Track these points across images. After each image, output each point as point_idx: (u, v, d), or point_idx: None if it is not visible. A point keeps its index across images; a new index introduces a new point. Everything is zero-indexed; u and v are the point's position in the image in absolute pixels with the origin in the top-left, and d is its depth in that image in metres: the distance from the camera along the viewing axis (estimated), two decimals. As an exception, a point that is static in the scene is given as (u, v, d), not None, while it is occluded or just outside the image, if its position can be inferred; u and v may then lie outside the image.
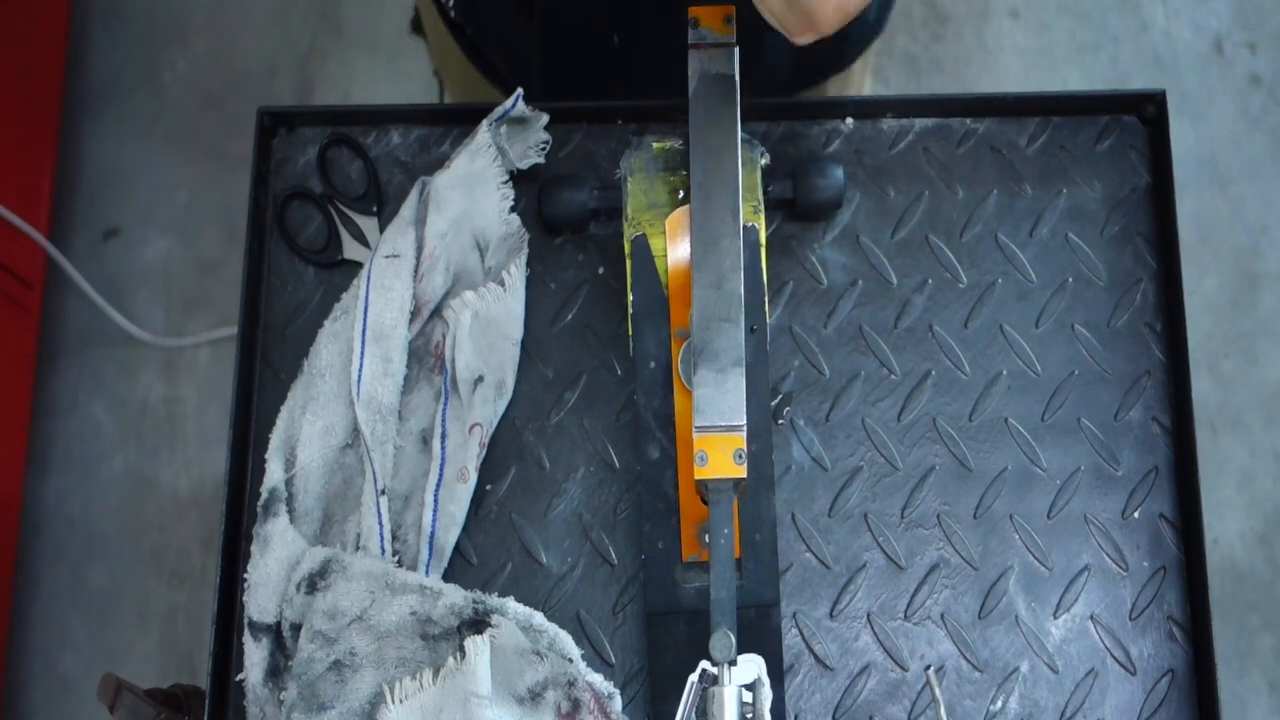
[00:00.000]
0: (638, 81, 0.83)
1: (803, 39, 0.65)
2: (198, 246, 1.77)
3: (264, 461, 0.73)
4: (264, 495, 0.72)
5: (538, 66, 0.89)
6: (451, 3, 0.94)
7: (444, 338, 0.74)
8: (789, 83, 0.93)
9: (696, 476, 0.65)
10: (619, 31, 0.85)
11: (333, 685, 0.68)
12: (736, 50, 0.71)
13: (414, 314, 0.75)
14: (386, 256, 0.75)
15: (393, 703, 0.66)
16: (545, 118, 0.78)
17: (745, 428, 0.65)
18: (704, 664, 0.63)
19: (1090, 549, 0.75)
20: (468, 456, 0.73)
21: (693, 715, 0.63)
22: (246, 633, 0.71)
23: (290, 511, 0.72)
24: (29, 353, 1.65)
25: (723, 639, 0.61)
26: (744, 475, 0.65)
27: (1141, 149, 0.81)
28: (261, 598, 0.70)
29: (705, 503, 0.66)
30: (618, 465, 0.76)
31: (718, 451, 0.65)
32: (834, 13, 0.62)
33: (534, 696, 0.67)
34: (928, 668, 0.73)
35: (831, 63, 0.94)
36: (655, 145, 0.75)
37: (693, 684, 0.63)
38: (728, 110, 0.70)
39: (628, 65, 0.86)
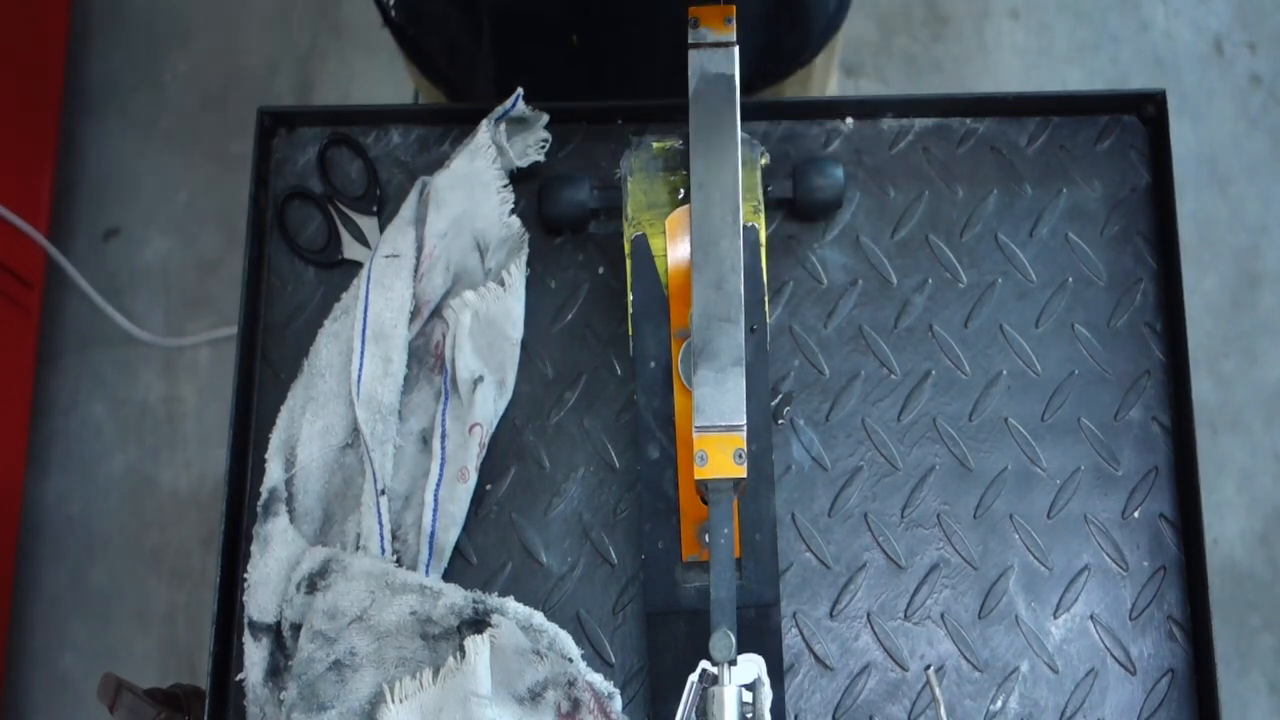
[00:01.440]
0: (597, 82, 0.82)
1: None
2: (198, 246, 1.78)
3: (264, 461, 0.73)
4: (264, 495, 0.72)
5: (485, 67, 0.88)
6: (392, 3, 0.93)
7: (444, 337, 0.74)
8: (747, 82, 0.93)
9: (696, 476, 0.65)
10: (579, 31, 0.84)
11: (333, 685, 0.68)
12: (736, 50, 0.71)
13: (414, 314, 0.75)
14: (386, 256, 0.75)
15: (393, 702, 0.66)
16: (545, 117, 0.78)
17: (745, 428, 0.65)
18: (704, 664, 0.63)
19: (1090, 549, 0.75)
20: (468, 456, 0.73)
21: (693, 715, 0.63)
22: (246, 632, 0.71)
23: (290, 511, 0.72)
24: (29, 353, 1.65)
25: (723, 639, 0.61)
26: (744, 475, 0.65)
27: (1141, 149, 0.81)
28: (261, 597, 0.70)
29: (705, 502, 0.66)
30: (618, 465, 0.76)
31: (717, 451, 0.65)
32: None
33: (534, 696, 0.67)
34: (928, 667, 0.73)
35: (793, 57, 0.93)
36: (655, 145, 0.75)
37: (693, 684, 0.63)
38: (728, 110, 0.70)
39: (587, 65, 0.85)
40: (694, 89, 0.70)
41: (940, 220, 0.80)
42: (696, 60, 0.71)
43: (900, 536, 0.75)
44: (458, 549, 0.74)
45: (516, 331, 0.76)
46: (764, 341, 0.73)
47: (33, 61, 1.71)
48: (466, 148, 0.77)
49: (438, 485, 0.72)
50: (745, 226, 0.71)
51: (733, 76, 0.70)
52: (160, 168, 1.80)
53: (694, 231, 0.68)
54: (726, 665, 0.62)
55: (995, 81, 1.82)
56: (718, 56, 0.71)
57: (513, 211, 0.78)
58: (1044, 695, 0.73)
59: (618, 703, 0.69)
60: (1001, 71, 1.83)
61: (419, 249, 0.75)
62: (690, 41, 0.71)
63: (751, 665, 0.63)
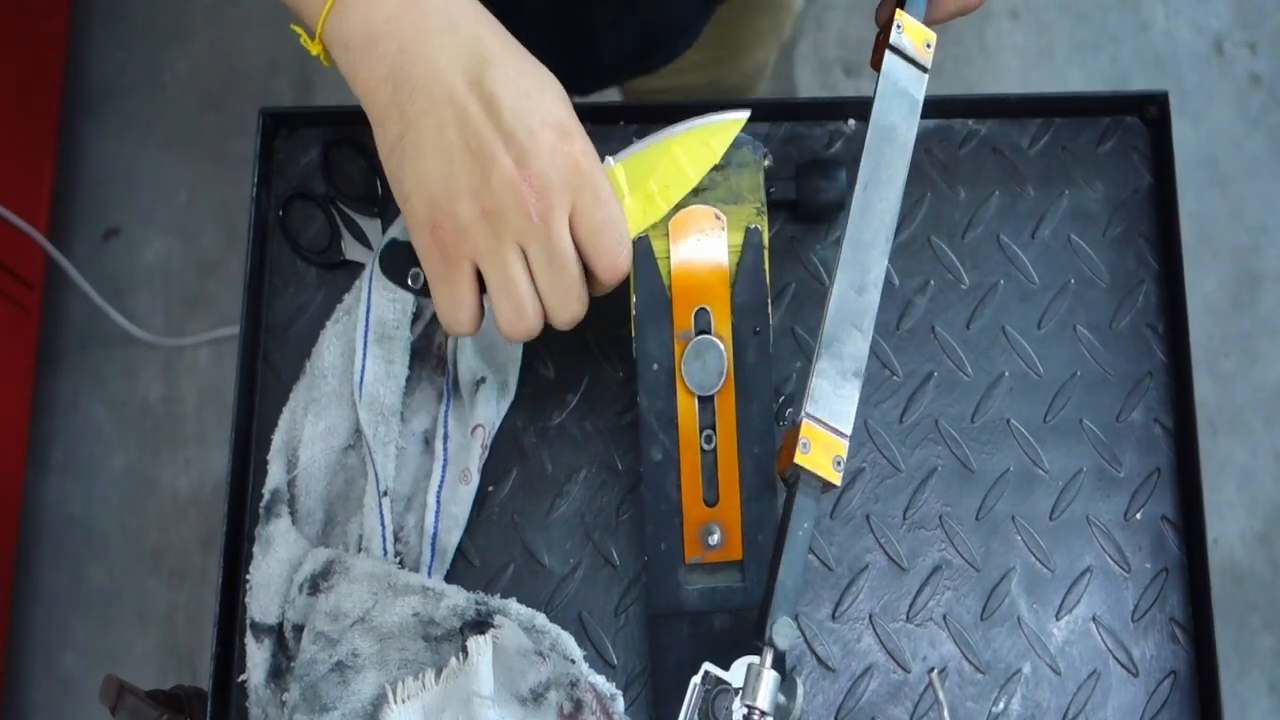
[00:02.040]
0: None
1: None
2: (198, 246, 1.78)
3: (266, 462, 0.73)
4: (266, 496, 0.72)
5: None
6: None
7: (446, 339, 0.74)
8: (617, 68, 0.93)
9: (796, 460, 0.63)
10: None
11: (335, 686, 0.68)
12: (926, 78, 0.71)
13: (416, 315, 0.75)
14: (388, 257, 0.75)
15: (395, 702, 0.66)
16: (547, 119, 0.78)
17: (849, 439, 0.65)
18: (706, 665, 0.63)
19: (1092, 550, 0.75)
20: (470, 458, 0.73)
21: (694, 717, 0.63)
22: (249, 634, 0.71)
23: (292, 513, 0.72)
24: (29, 353, 1.65)
25: (785, 626, 0.61)
26: (838, 485, 0.64)
27: (1143, 150, 0.81)
28: (264, 599, 0.70)
29: (785, 481, 0.65)
30: (620, 467, 0.76)
31: (820, 449, 0.64)
32: None
33: (536, 697, 0.67)
34: (930, 669, 0.73)
35: (667, 48, 0.95)
36: (657, 146, 0.75)
37: (695, 686, 0.63)
38: (906, 128, 0.70)
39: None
40: (881, 90, 0.70)
41: (942, 221, 0.80)
42: (891, 63, 0.70)
43: (902, 538, 0.75)
44: (460, 550, 0.74)
45: (518, 333, 0.76)
46: (767, 344, 0.73)
47: (33, 61, 1.71)
48: (468, 149, 0.76)
49: (440, 487, 0.72)
50: (748, 229, 0.71)
51: (917, 101, 0.70)
52: (160, 168, 1.80)
53: (850, 226, 0.67)
54: (769, 647, 0.61)
55: (996, 82, 1.82)
56: (910, 74, 0.70)
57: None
58: (1046, 697, 0.73)
59: (620, 704, 0.69)
60: (1002, 72, 1.83)
61: (421, 250, 0.75)
62: (890, 42, 0.70)
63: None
